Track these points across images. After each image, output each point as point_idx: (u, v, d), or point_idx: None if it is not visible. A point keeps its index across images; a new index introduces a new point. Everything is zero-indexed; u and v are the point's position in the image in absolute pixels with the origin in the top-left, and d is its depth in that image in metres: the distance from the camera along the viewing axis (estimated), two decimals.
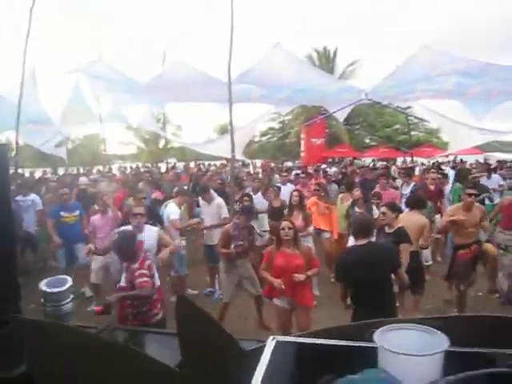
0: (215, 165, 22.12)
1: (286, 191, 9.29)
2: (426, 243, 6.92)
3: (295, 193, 7.81)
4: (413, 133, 30.48)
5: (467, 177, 10.25)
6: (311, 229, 7.65)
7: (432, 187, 9.22)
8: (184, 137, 34.56)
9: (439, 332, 1.11)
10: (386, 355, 1.10)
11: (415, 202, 6.75)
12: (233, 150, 9.52)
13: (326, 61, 33.84)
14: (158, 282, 4.96)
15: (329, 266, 8.01)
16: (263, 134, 36.96)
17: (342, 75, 31.67)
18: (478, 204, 6.97)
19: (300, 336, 1.34)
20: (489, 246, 7.00)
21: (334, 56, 34.43)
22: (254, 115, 14.32)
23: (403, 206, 8.01)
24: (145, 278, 4.43)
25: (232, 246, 6.25)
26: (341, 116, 15.47)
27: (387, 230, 5.86)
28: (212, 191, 8.29)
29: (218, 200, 8.03)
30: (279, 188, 9.78)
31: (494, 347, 1.13)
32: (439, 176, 10.55)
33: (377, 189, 8.86)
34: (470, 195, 6.56)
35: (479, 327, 1.29)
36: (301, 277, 4.96)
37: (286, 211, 7.93)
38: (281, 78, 10.04)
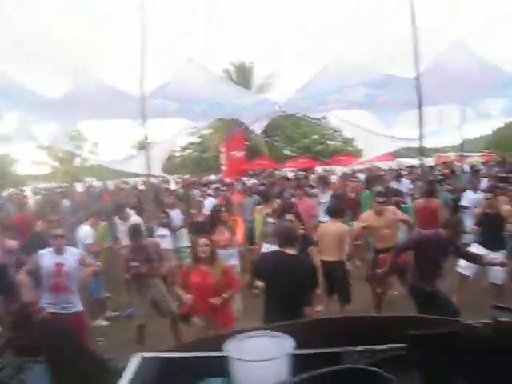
0: (127, 182, 21.65)
1: (207, 205, 9.25)
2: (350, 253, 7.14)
3: (218, 208, 7.79)
4: (329, 142, 31.52)
5: (374, 183, 10.71)
6: (237, 243, 7.65)
7: (352, 195, 9.57)
8: (102, 154, 33.61)
9: (287, 336, 1.14)
10: (235, 364, 1.12)
11: (335, 212, 6.98)
12: (149, 166, 9.35)
13: (242, 74, 34.31)
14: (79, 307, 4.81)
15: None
16: (184, 149, 36.77)
17: (259, 88, 32.21)
18: (390, 207, 7.28)
19: (167, 351, 1.32)
20: None
21: (251, 70, 35.02)
22: (173, 130, 14.21)
23: (321, 214, 8.26)
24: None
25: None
26: (258, 128, 15.63)
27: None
28: (128, 209, 8.10)
29: (135, 218, 7.84)
30: (201, 202, 9.73)
31: (343, 346, 1.17)
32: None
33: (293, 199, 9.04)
34: (378, 202, 6.89)
35: (326, 328, 1.34)
36: (215, 301, 4.92)
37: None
38: (196, 93, 10.02)
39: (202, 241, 5.19)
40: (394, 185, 11.67)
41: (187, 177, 24.03)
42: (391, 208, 7.25)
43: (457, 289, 7.04)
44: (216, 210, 7.59)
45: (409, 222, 7.34)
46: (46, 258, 5.44)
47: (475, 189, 9.95)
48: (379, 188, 10.46)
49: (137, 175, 21.04)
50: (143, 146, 10.83)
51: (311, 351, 1.20)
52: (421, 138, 9.15)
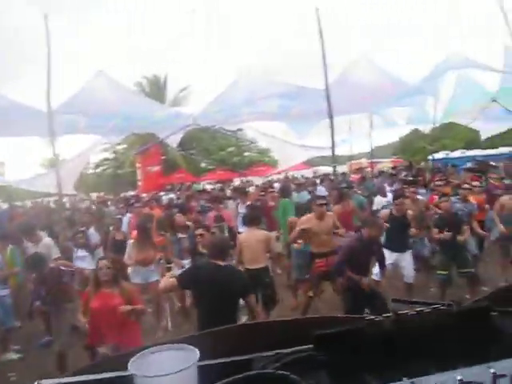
0: (37, 202, 20.66)
1: (125, 223, 9.00)
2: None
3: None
4: (246, 154, 31.80)
5: (289, 191, 10.91)
6: (162, 260, 7.48)
7: (272, 203, 9.73)
8: (8, 174, 31.67)
9: (191, 348, 1.11)
10: (138, 381, 1.08)
11: (251, 220, 7.00)
12: (60, 185, 8.92)
13: (156, 88, 33.85)
14: None
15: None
16: (97, 166, 35.50)
17: (173, 102, 31.91)
18: (329, 213, 7.38)
19: (67, 375, 1.25)
20: None
21: (165, 83, 34.63)
22: (84, 146, 13.68)
23: (240, 225, 8.29)
24: None
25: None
26: (173, 142, 15.47)
27: (201, 249, 6.08)
28: (39, 231, 7.66)
29: (46, 240, 7.43)
30: (120, 220, 9.43)
31: (251, 353, 1.17)
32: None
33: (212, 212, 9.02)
34: (321, 205, 6.91)
35: (236, 336, 1.33)
36: (122, 309, 4.72)
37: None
38: (106, 107, 9.71)
39: (103, 263, 4.97)
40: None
41: (102, 194, 23.25)
42: (330, 213, 7.34)
43: None
44: (143, 227, 7.39)
45: (340, 229, 7.39)
46: None
47: (383, 193, 10.42)
48: (304, 194, 10.71)
49: (48, 195, 20.08)
50: (53, 164, 10.34)
51: (220, 361, 1.18)
52: (333, 146, 9.45)
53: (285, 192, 10.39)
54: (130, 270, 7.34)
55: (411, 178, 12.33)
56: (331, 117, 9.26)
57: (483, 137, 17.76)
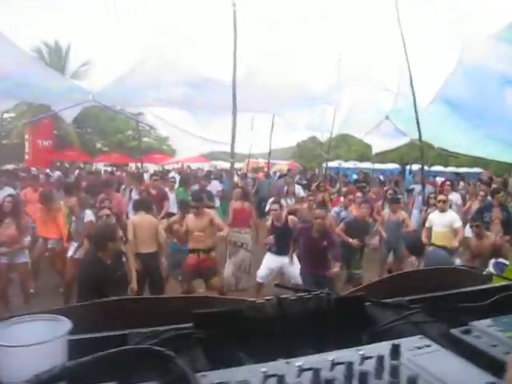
0: None
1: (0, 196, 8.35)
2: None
3: (8, 198, 7.09)
4: (144, 139, 31.01)
5: (188, 182, 10.91)
6: (27, 240, 7.06)
7: (154, 192, 9.62)
8: None
9: (63, 318, 1.04)
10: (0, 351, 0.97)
11: (140, 205, 7.08)
12: None
13: (57, 57, 31.72)
14: None
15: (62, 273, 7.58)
16: None
17: (74, 75, 30.12)
18: (210, 211, 7.47)
19: None
20: None
21: (67, 53, 32.48)
22: None
23: (131, 211, 8.10)
24: None
25: None
26: (69, 117, 14.65)
27: None
28: None
29: None
30: None
31: (129, 328, 1.13)
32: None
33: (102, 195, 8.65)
34: (194, 206, 6.99)
35: (113, 310, 1.28)
36: None
37: None
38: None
39: None
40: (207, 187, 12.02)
41: None
42: (210, 211, 7.39)
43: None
44: (9, 202, 6.93)
45: (222, 228, 7.40)
46: None
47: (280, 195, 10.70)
48: (195, 187, 10.70)
49: None
50: None
51: (95, 335, 1.12)
52: (233, 142, 9.45)
53: (183, 182, 10.36)
54: None
55: (305, 182, 12.78)
56: (235, 112, 9.24)
57: (374, 151, 18.88)
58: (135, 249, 6.44)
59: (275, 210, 7.61)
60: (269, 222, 7.95)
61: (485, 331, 1.11)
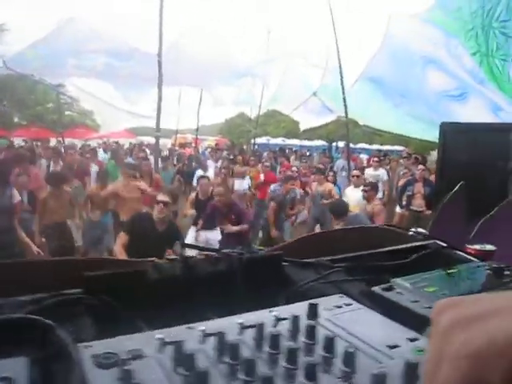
0: None
1: None
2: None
3: None
4: (66, 113, 29.66)
5: (121, 156, 10.64)
6: None
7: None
8: None
9: None
10: None
11: (57, 179, 6.86)
12: None
13: None
14: None
15: None
16: None
17: None
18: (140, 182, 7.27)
19: None
20: None
21: None
22: None
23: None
24: None
25: None
26: None
27: None
28: None
29: None
30: None
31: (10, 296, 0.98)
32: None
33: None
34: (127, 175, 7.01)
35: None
36: None
37: None
38: None
39: None
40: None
41: None
42: (140, 182, 7.22)
43: None
44: None
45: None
46: None
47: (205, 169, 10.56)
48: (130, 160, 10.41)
49: None
50: None
51: None
52: (158, 116, 9.13)
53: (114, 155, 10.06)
54: None
55: (232, 157, 12.70)
56: (160, 86, 8.93)
57: (302, 128, 19.12)
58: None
59: (203, 183, 7.48)
60: (192, 196, 7.75)
61: (406, 287, 1.09)
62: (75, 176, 8.44)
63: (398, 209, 9.02)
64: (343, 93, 9.92)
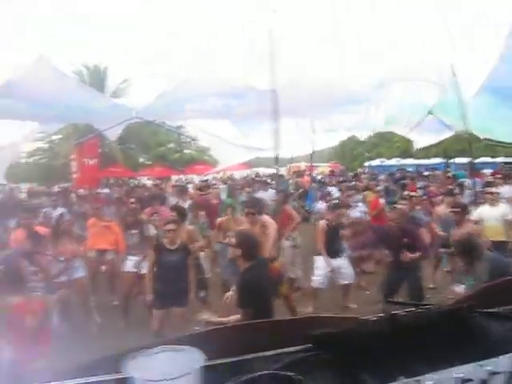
0: None
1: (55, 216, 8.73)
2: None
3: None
4: (186, 151, 31.49)
5: (236, 192, 11.02)
6: (91, 253, 7.33)
7: (215, 201, 9.72)
8: None
9: (194, 349, 1.02)
10: None
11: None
12: None
13: (96, 77, 32.72)
14: None
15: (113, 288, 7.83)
16: (30, 155, 33.77)
17: (114, 93, 30.99)
18: (264, 216, 7.32)
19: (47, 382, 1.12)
20: None
21: (105, 73, 33.53)
22: (17, 134, 13.01)
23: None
24: None
25: None
26: (113, 135, 15.07)
27: None
28: None
29: None
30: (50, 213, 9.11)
31: (249, 353, 1.15)
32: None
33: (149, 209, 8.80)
34: (247, 213, 6.98)
35: (230, 337, 1.30)
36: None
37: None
38: (45, 94, 9.27)
39: None
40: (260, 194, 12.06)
41: (34, 185, 22.24)
42: (264, 217, 7.25)
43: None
44: (59, 221, 7.22)
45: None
46: None
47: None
48: (243, 197, 10.79)
49: None
50: None
51: (218, 362, 1.12)
52: (276, 148, 9.47)
53: (232, 192, 10.48)
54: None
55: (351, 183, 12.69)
56: (276, 119, 9.28)
57: (416, 146, 18.56)
58: None
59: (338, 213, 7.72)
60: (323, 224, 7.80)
61: None
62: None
63: None
64: (463, 108, 9.60)
